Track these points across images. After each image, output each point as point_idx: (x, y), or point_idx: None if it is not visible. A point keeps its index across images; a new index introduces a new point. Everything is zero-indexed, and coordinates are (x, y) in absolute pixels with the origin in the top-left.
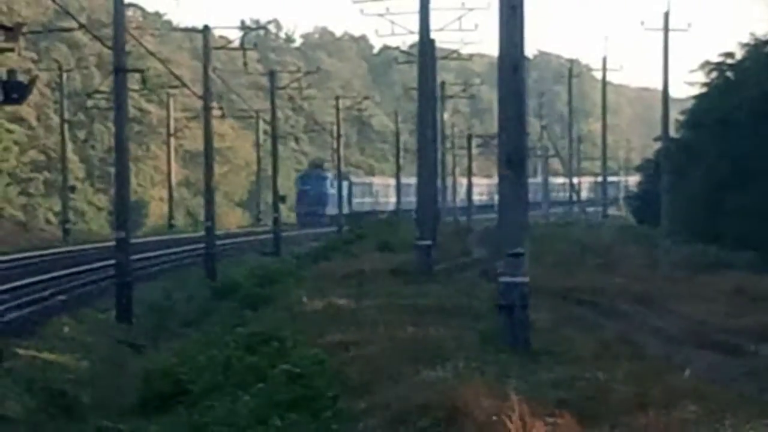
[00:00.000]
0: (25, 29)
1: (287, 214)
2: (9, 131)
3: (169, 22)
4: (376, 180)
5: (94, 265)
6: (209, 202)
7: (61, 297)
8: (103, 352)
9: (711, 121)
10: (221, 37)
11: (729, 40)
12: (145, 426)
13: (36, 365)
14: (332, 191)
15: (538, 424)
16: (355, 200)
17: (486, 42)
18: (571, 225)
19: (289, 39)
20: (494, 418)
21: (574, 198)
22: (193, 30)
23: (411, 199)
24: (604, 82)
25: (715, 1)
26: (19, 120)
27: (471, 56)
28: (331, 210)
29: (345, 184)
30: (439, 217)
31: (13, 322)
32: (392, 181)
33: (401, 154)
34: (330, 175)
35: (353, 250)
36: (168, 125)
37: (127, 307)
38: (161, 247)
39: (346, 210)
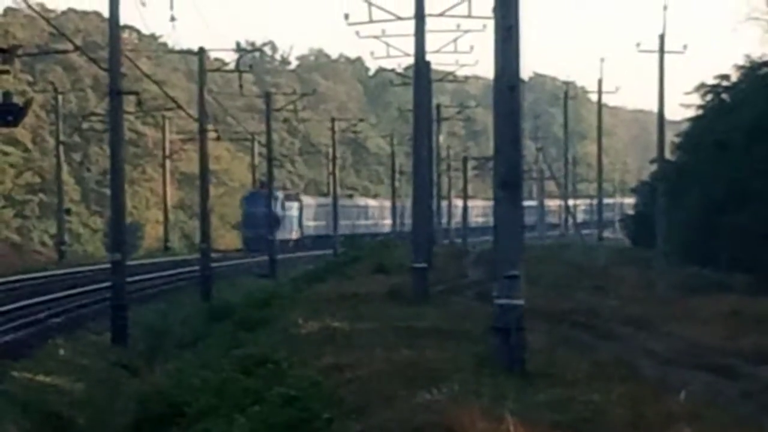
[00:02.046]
0: (20, 51)
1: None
2: (4, 153)
3: (164, 45)
4: (323, 202)
5: (90, 288)
6: (205, 224)
7: (57, 319)
8: (98, 374)
9: (707, 144)
10: (217, 59)
11: (724, 63)
12: None
13: (32, 387)
14: (282, 213)
15: None
16: (307, 223)
17: (481, 64)
18: (567, 247)
19: (284, 61)
20: None
21: (570, 220)
22: (189, 52)
23: (381, 222)
24: (600, 104)
25: (710, 23)
26: (15, 142)
27: (466, 78)
28: (283, 234)
29: (296, 205)
30: (434, 240)
31: (9, 344)
32: (349, 202)
33: (397, 176)
34: (280, 195)
35: (349, 273)
36: (164, 147)
37: (123, 329)
38: (157, 270)
39: (295, 234)
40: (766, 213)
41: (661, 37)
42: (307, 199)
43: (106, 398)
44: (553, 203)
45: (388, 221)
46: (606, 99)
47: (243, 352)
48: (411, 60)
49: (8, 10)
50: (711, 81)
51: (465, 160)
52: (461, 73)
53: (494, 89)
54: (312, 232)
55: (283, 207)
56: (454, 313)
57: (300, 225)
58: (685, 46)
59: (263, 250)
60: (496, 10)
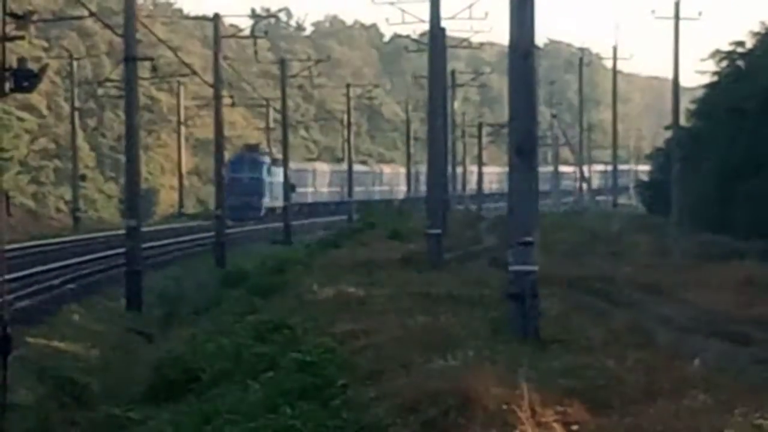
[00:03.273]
0: (35, 17)
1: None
2: (20, 119)
3: (179, 11)
4: (319, 167)
5: (105, 254)
6: (219, 191)
7: (71, 285)
8: (113, 341)
9: (722, 110)
10: (232, 25)
11: (740, 29)
12: (155, 414)
13: (46, 353)
14: (270, 179)
15: (548, 412)
16: (299, 189)
17: (496, 30)
18: (581, 214)
19: (299, 27)
20: (504, 406)
21: (584, 187)
22: (204, 18)
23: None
24: (615, 71)
25: None
26: (30, 108)
27: (481, 45)
28: (270, 202)
29: (280, 171)
30: (449, 206)
31: (24, 310)
32: (336, 168)
33: (412, 142)
34: (267, 159)
35: (363, 239)
36: (178, 113)
37: (137, 295)
38: (171, 235)
39: (280, 203)
40: None
41: (677, 4)
42: (294, 164)
43: (121, 364)
44: (568, 170)
45: (403, 187)
46: (621, 65)
47: (257, 318)
48: (426, 26)
49: None
50: (726, 47)
51: (480, 126)
52: (476, 39)
53: (509, 56)
54: (299, 200)
55: (269, 173)
56: (469, 280)
57: (285, 192)
58: (700, 13)
59: (247, 218)
60: None
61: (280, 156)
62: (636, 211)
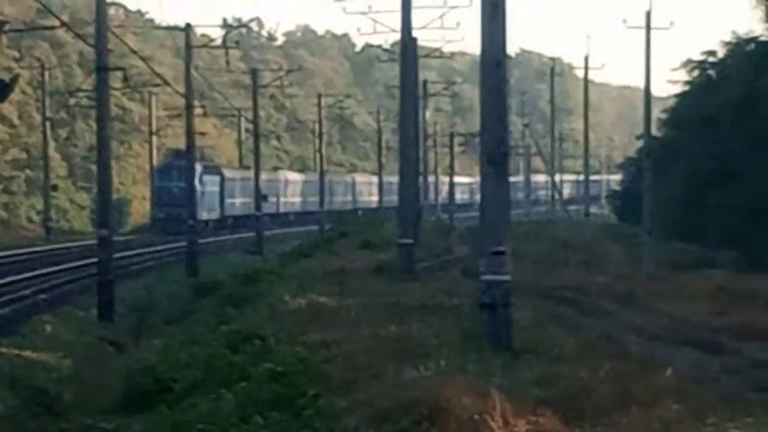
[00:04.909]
0: (6, 27)
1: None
2: None
3: (151, 21)
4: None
5: (77, 263)
6: (191, 201)
7: (43, 295)
8: (85, 351)
9: (693, 120)
10: (203, 35)
11: (711, 39)
12: (128, 424)
13: (18, 363)
14: (202, 189)
15: (520, 422)
16: (229, 201)
17: (468, 40)
18: (553, 223)
19: (271, 37)
20: (476, 416)
21: (557, 196)
22: (175, 28)
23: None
24: (586, 81)
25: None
26: (1, 118)
27: (453, 54)
28: (204, 213)
29: (216, 179)
30: (421, 216)
31: None
32: (278, 176)
33: (383, 152)
34: (199, 167)
35: (336, 248)
36: (150, 123)
37: (109, 305)
38: (143, 245)
39: (215, 215)
40: (753, 189)
41: (648, 14)
42: (231, 173)
43: (93, 374)
44: (539, 179)
45: (375, 197)
46: (592, 75)
47: (230, 328)
48: (397, 36)
49: None
50: (698, 57)
51: (451, 136)
52: (448, 49)
53: (481, 65)
54: (237, 212)
55: (201, 181)
56: (441, 289)
57: (222, 203)
58: (671, 23)
59: (176, 233)
60: None
61: (215, 161)
62: (608, 221)
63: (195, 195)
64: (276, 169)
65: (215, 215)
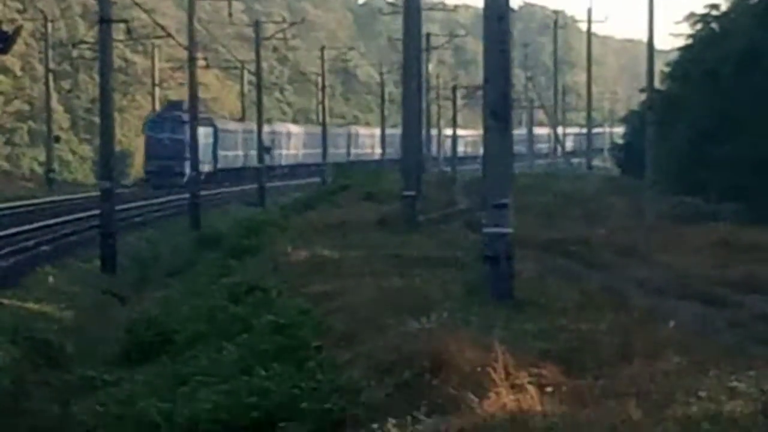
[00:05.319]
0: None
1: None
2: None
3: None
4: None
5: (79, 215)
6: (194, 152)
7: (46, 247)
8: (87, 302)
9: (696, 73)
10: None
11: None
12: (130, 375)
13: (20, 315)
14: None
15: (522, 374)
16: (222, 153)
17: None
18: (556, 176)
19: None
20: (479, 369)
21: (559, 149)
22: None
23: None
24: (589, 34)
25: None
26: (4, 70)
27: (456, 7)
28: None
29: (209, 131)
30: (423, 169)
31: None
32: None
33: (386, 104)
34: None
35: (338, 201)
36: (153, 76)
37: (112, 257)
38: (145, 197)
39: (207, 167)
40: (756, 142)
41: None
42: (224, 124)
43: (96, 326)
44: (542, 132)
45: (378, 150)
46: (595, 28)
47: (232, 280)
48: None
49: None
50: (701, 10)
51: (454, 89)
52: (451, 1)
53: (484, 18)
54: (229, 164)
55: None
56: (443, 242)
57: (214, 156)
58: None
59: (168, 185)
60: None
61: (207, 114)
62: (610, 174)
63: (186, 147)
64: (269, 121)
65: (208, 168)
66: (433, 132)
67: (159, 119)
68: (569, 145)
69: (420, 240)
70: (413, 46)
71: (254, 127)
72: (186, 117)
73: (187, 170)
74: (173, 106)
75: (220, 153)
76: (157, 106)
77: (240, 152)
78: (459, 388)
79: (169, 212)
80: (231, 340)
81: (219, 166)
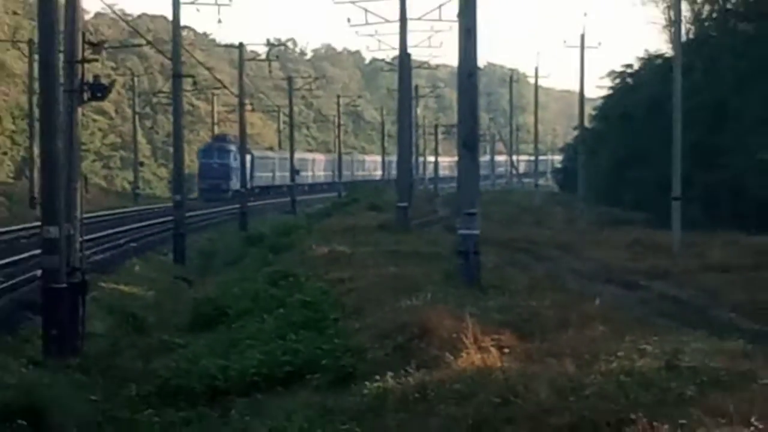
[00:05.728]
0: (106, 45)
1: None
2: (94, 120)
3: (213, 40)
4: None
5: (158, 220)
6: (243, 174)
7: (133, 244)
8: (164, 285)
9: (615, 116)
10: (252, 51)
11: (629, 55)
12: (195, 339)
13: (115, 295)
14: (237, 165)
15: (487, 339)
16: (257, 174)
17: (449, 56)
18: (511, 192)
19: (302, 53)
20: (454, 335)
21: (514, 172)
22: (231, 46)
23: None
24: (536, 86)
25: (619, 25)
26: (102, 112)
27: (437, 66)
28: (236, 184)
29: (248, 158)
30: (413, 186)
31: (98, 262)
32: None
33: (386, 138)
34: (234, 147)
35: (350, 210)
36: (212, 116)
37: (182, 252)
38: (204, 208)
39: (248, 185)
40: (658, 168)
41: (582, 36)
42: (259, 152)
43: (170, 303)
44: (501, 159)
45: (379, 172)
46: (541, 82)
47: (271, 269)
48: (397, 52)
49: (97, 14)
50: (619, 68)
51: (436, 127)
52: (434, 62)
53: (458, 75)
54: (262, 183)
55: (236, 159)
56: (428, 240)
57: (252, 176)
58: (599, 43)
59: (216, 199)
60: (459, 16)
61: (247, 144)
62: (552, 190)
63: (231, 170)
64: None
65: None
66: (421, 159)
67: (209, 148)
68: (522, 168)
69: (411, 239)
70: (406, 95)
71: (285, 154)
72: (229, 146)
73: (232, 187)
74: (219, 138)
75: (256, 174)
76: None
77: (269, 174)
78: (440, 349)
79: (224, 218)
80: (270, 313)
81: (254, 184)
